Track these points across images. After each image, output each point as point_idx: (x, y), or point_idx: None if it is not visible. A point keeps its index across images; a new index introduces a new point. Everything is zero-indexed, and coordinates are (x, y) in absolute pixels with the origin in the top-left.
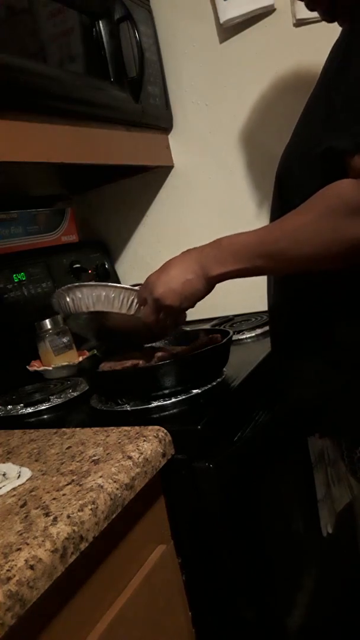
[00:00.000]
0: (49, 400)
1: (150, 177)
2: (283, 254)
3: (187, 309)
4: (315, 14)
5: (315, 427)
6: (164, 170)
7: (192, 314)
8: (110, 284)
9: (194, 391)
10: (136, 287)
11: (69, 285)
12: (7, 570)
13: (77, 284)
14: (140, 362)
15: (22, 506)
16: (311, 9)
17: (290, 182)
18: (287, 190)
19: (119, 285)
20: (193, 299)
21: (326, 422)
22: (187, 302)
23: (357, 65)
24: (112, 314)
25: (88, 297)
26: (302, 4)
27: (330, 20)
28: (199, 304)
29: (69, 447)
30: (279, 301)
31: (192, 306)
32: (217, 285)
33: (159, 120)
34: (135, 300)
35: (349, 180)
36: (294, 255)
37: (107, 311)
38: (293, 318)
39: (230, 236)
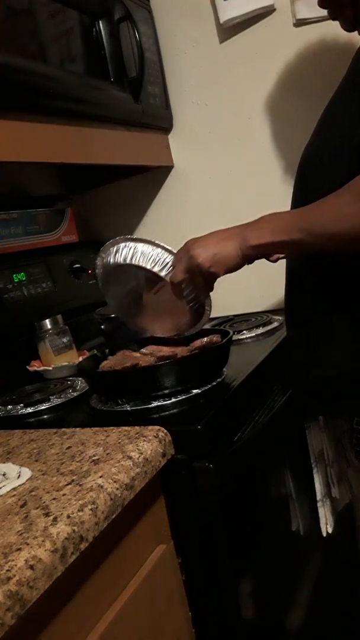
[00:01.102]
0: (49, 400)
1: (150, 177)
2: (322, 230)
3: (216, 275)
4: (315, 14)
5: (329, 408)
6: (164, 170)
7: None
8: (152, 240)
9: (194, 391)
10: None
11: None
12: (7, 570)
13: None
14: (140, 362)
15: (22, 506)
16: (333, 18)
17: (318, 172)
18: (314, 179)
19: (160, 243)
20: (224, 264)
21: (342, 402)
22: (217, 266)
23: None
24: (145, 282)
25: (127, 250)
26: (302, 4)
27: (350, 30)
28: None
29: (69, 447)
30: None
31: (221, 273)
32: (218, 286)
33: (159, 120)
34: (170, 262)
35: None
36: (333, 231)
37: (141, 268)
38: (314, 298)
39: (272, 213)
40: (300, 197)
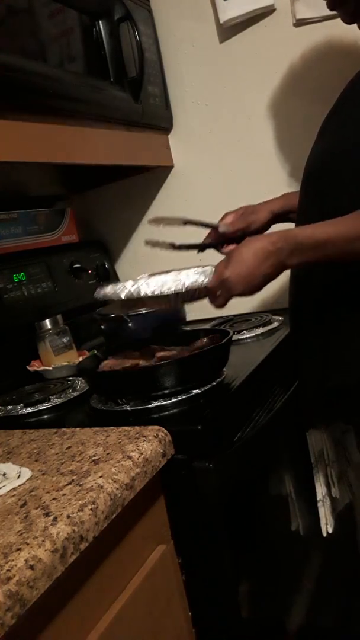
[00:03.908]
0: (49, 400)
1: (150, 177)
2: (355, 252)
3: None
4: (315, 14)
5: (341, 415)
6: (164, 170)
7: (192, 314)
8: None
9: (194, 391)
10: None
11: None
12: (7, 570)
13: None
14: (140, 362)
15: (22, 506)
16: (331, 9)
17: (334, 179)
18: (330, 187)
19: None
20: (259, 288)
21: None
22: (253, 292)
23: None
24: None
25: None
26: (302, 4)
27: (350, 22)
28: (199, 303)
29: (69, 447)
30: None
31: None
32: None
33: (159, 120)
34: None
35: None
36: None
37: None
38: (327, 301)
39: (302, 231)
40: (317, 204)
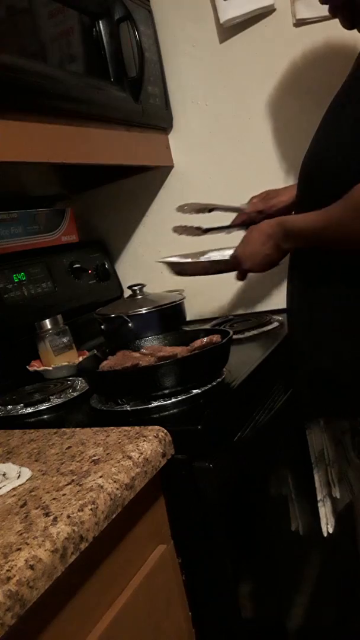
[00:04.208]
0: (49, 400)
1: (150, 177)
2: (331, 239)
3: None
4: (315, 14)
5: (331, 405)
6: (164, 170)
7: (192, 314)
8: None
9: (194, 391)
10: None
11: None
12: (7, 570)
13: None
14: (140, 362)
15: (22, 506)
16: (333, 15)
17: (328, 178)
18: (324, 186)
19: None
20: (271, 265)
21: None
22: (264, 268)
23: None
24: None
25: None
26: (302, 4)
27: (349, 28)
28: (199, 303)
29: (69, 447)
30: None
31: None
32: (217, 285)
33: (159, 120)
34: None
35: None
36: (340, 240)
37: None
38: (318, 286)
39: (292, 219)
40: (311, 201)
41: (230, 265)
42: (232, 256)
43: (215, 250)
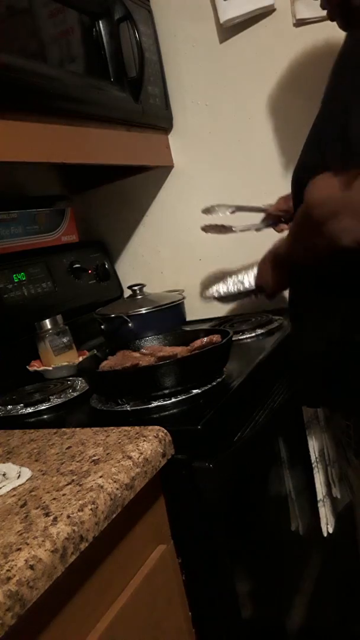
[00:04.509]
0: (49, 400)
1: (150, 177)
2: (291, 261)
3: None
4: (315, 14)
5: (326, 396)
6: (164, 170)
7: (192, 314)
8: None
9: (194, 391)
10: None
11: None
12: (7, 570)
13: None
14: (140, 362)
15: (22, 506)
16: (331, 19)
17: (303, 176)
18: (303, 183)
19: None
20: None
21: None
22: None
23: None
24: None
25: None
26: (302, 4)
27: (345, 29)
28: (199, 303)
29: (69, 447)
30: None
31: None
32: None
33: (159, 120)
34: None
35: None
36: (295, 261)
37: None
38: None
39: (280, 241)
40: (299, 200)
41: (258, 291)
42: (257, 285)
43: (242, 272)
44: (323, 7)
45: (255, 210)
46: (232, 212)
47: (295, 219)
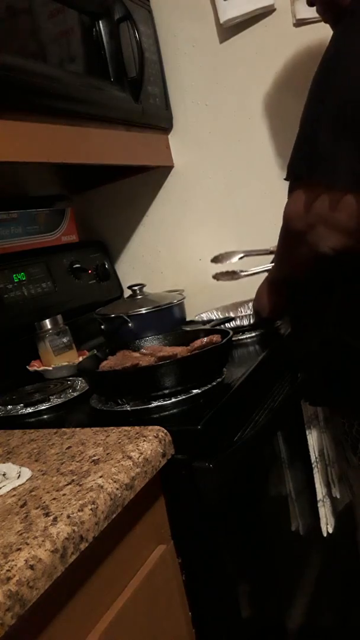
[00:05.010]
0: (49, 400)
1: (150, 177)
2: (282, 280)
3: None
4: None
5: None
6: (164, 170)
7: (192, 314)
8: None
9: (194, 391)
10: None
11: None
12: (7, 570)
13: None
14: (140, 362)
15: (22, 506)
16: (324, 20)
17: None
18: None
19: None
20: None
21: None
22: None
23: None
24: None
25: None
26: (302, 4)
27: (333, 27)
28: (199, 303)
29: (69, 447)
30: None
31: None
32: (217, 285)
33: (159, 120)
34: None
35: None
36: (285, 279)
37: None
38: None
39: (270, 272)
40: None
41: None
42: (254, 309)
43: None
44: (310, 4)
45: (263, 253)
46: (240, 259)
47: (280, 233)
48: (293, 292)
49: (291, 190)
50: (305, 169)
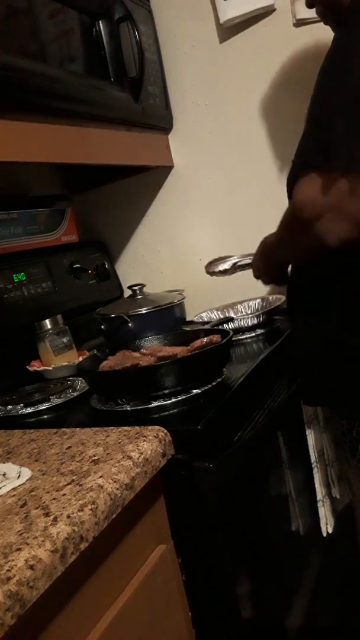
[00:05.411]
0: (49, 400)
1: (150, 177)
2: (278, 260)
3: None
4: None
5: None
6: (164, 170)
7: (191, 314)
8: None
9: (194, 391)
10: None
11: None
12: (7, 570)
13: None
14: (140, 362)
15: (22, 506)
16: (324, 21)
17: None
18: (288, 184)
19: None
20: (272, 278)
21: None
22: (268, 279)
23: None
24: None
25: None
26: (302, 3)
27: (334, 28)
28: (199, 303)
29: (69, 447)
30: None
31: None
32: (218, 286)
33: (159, 120)
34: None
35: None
36: (282, 260)
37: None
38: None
39: (269, 236)
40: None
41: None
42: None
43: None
44: (310, 6)
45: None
46: (235, 265)
47: (282, 219)
48: (294, 282)
49: (299, 180)
50: (320, 156)
